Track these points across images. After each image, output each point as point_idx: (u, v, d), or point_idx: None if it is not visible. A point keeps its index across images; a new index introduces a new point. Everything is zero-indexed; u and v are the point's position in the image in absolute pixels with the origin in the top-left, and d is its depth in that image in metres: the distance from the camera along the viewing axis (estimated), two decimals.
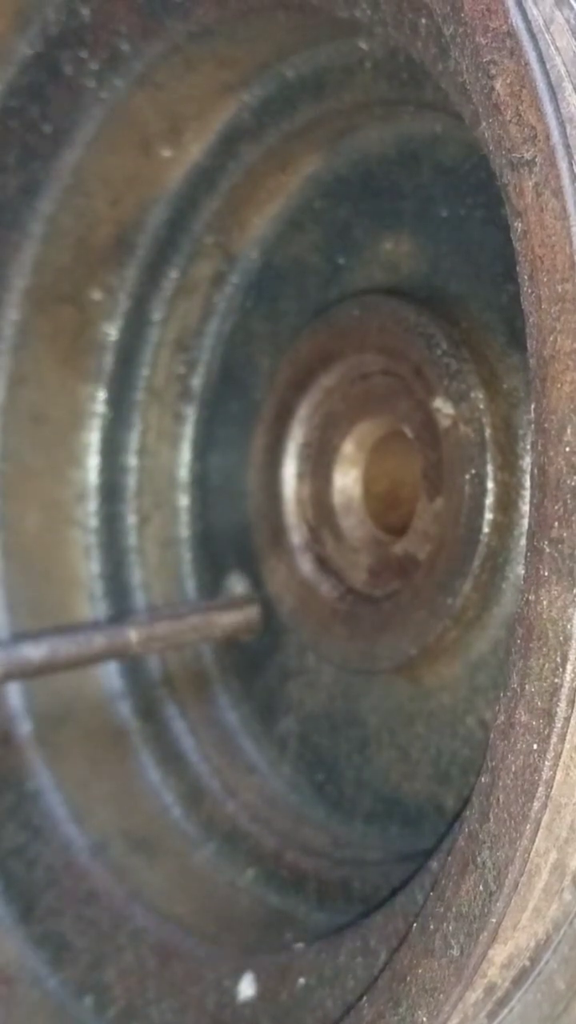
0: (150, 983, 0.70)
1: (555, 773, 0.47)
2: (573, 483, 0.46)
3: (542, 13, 0.49)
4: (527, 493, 0.62)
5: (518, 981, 0.52)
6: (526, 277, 0.47)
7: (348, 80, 0.71)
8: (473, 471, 0.65)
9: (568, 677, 0.46)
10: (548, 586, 0.46)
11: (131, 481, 0.84)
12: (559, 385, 0.46)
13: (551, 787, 0.47)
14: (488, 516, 0.64)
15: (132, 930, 0.72)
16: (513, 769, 0.47)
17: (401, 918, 0.57)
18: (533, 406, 0.47)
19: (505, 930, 0.49)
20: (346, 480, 0.75)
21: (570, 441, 0.46)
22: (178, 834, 0.78)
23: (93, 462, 0.83)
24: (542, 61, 0.48)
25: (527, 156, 0.47)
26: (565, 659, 0.46)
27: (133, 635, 0.74)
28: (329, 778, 0.75)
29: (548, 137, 0.47)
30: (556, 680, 0.46)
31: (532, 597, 0.47)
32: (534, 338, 0.47)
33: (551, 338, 0.46)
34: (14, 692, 0.79)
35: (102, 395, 0.83)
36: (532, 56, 0.48)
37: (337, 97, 0.72)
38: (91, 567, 0.83)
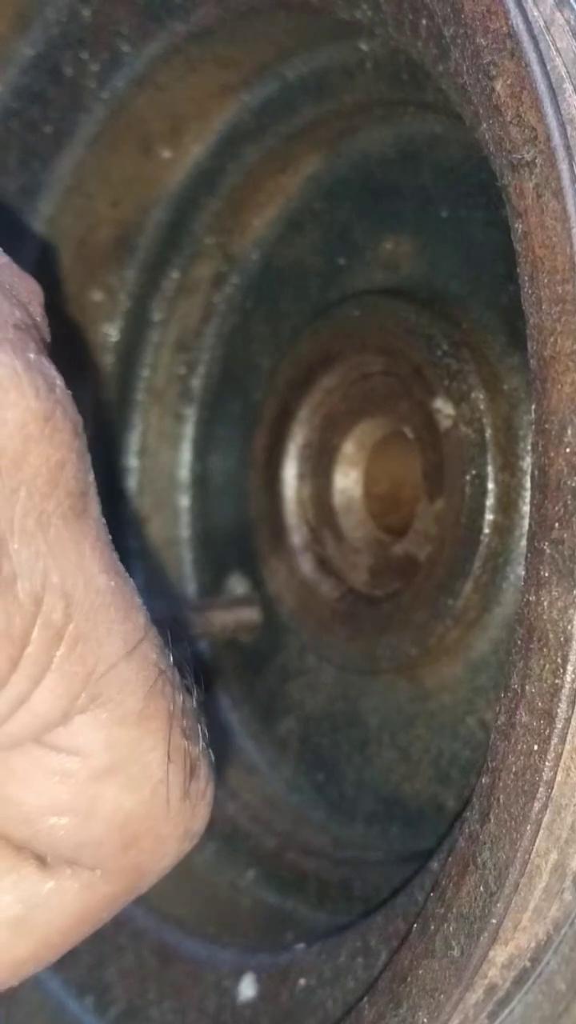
0: (151, 984, 0.70)
1: (556, 774, 0.47)
2: (573, 484, 0.46)
3: (543, 14, 0.49)
4: (528, 494, 0.62)
5: (519, 982, 0.52)
6: (526, 278, 0.47)
7: (349, 81, 0.71)
8: (474, 472, 0.65)
9: (569, 678, 0.46)
10: (548, 587, 0.47)
11: (131, 482, 0.84)
12: (559, 386, 0.46)
13: (552, 788, 0.47)
14: (489, 517, 0.64)
15: (133, 931, 0.72)
16: (514, 770, 0.47)
17: (402, 919, 0.57)
18: (534, 407, 0.47)
19: (506, 931, 0.49)
20: (347, 481, 0.75)
21: (570, 442, 0.46)
22: None
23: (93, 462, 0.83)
24: (543, 62, 0.48)
25: (527, 157, 0.47)
26: (566, 660, 0.46)
27: None
28: (329, 779, 0.75)
29: (548, 138, 0.47)
30: (557, 681, 0.46)
31: (532, 598, 0.47)
32: (535, 339, 0.47)
33: (551, 339, 0.46)
34: None
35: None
36: (533, 57, 0.48)
37: (337, 98, 0.72)
38: None
